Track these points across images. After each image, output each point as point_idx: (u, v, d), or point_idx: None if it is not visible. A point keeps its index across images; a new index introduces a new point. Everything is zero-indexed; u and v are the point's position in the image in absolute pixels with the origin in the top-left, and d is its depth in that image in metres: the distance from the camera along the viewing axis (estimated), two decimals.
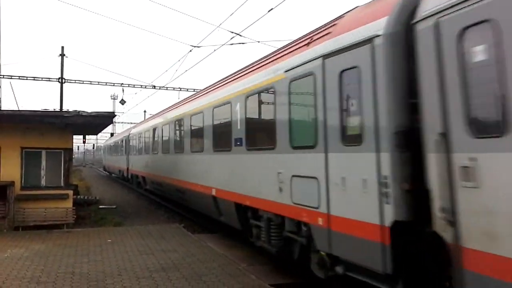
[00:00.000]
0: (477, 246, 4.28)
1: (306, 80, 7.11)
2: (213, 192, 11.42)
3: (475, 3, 4.31)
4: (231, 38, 20.16)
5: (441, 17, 4.69)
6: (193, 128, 13.93)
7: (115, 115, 14.88)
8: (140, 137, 25.68)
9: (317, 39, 7.13)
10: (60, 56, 32.64)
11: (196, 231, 14.57)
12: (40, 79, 35.10)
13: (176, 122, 16.16)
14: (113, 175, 46.56)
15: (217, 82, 13.24)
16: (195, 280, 7.66)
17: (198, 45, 22.69)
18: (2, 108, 48.00)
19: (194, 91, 39.10)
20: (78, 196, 20.50)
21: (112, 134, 70.32)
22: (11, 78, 35.09)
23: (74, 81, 35.36)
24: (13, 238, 11.61)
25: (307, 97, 7.05)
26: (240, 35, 19.73)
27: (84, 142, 64.28)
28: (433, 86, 4.79)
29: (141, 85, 37.04)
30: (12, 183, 13.21)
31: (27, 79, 35.11)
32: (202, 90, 14.86)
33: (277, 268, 9.01)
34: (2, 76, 46.14)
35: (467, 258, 4.39)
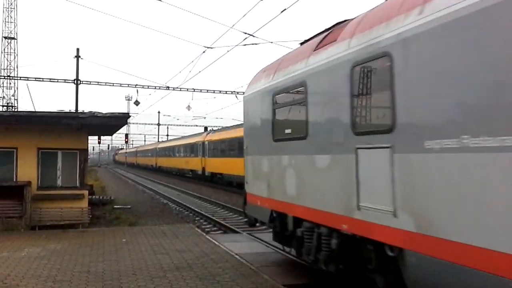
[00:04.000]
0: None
1: None
2: None
3: None
4: (244, 39, 20.23)
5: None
6: None
7: (130, 116, 15.04)
8: None
9: None
10: (76, 58, 33.01)
11: (210, 231, 14.64)
12: (56, 80, 35.58)
13: None
14: None
15: None
16: (209, 280, 7.69)
17: (212, 46, 22.79)
18: (18, 109, 48.68)
19: (207, 92, 39.27)
20: (93, 196, 20.72)
21: (126, 135, 70.57)
22: (27, 79, 35.62)
23: (89, 83, 35.76)
24: (30, 237, 11.77)
25: None
26: (253, 36, 19.76)
27: (99, 142, 64.59)
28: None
29: (155, 86, 37.33)
30: (29, 183, 13.41)
31: (43, 80, 35.61)
32: None
33: (290, 268, 9.00)
34: (19, 78, 46.89)
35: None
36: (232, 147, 31.06)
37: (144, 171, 68.52)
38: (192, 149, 42.91)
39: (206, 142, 38.44)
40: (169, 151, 55.06)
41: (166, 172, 56.97)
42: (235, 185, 29.35)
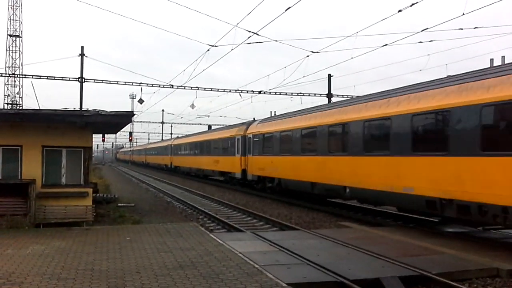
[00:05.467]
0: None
1: None
2: None
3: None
4: (249, 37, 20.20)
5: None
6: None
7: (134, 114, 15.04)
8: None
9: None
10: (80, 56, 33.08)
11: (213, 230, 14.64)
12: (61, 78, 35.66)
13: None
14: None
15: None
16: (212, 279, 7.69)
17: (216, 45, 22.80)
18: (23, 107, 48.76)
19: (211, 90, 39.34)
20: (98, 194, 20.76)
21: (130, 134, 72.02)
22: (32, 77, 35.75)
23: (93, 81, 35.84)
24: (34, 235, 11.80)
25: None
26: (257, 34, 19.74)
27: (103, 141, 64.82)
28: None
29: (159, 85, 37.40)
30: (33, 181, 13.44)
31: (48, 78, 35.71)
32: None
33: (294, 267, 8.97)
34: (23, 76, 46.96)
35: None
36: (181, 148, 49.24)
37: (146, 169, 69.84)
38: (165, 150, 59.35)
39: (172, 145, 54.16)
40: (153, 151, 71.66)
41: (152, 167, 71.54)
42: (185, 173, 47.11)
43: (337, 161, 16.52)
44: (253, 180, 26.07)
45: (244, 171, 27.43)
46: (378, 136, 14.59)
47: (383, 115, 13.74)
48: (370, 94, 15.99)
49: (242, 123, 30.87)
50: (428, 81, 13.19)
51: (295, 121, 20.55)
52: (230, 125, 34.86)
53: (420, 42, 23.77)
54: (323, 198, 20.02)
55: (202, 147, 39.61)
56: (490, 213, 10.25)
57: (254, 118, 30.33)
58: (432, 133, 12.40)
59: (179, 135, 61.90)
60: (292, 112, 23.01)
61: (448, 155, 11.30)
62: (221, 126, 40.21)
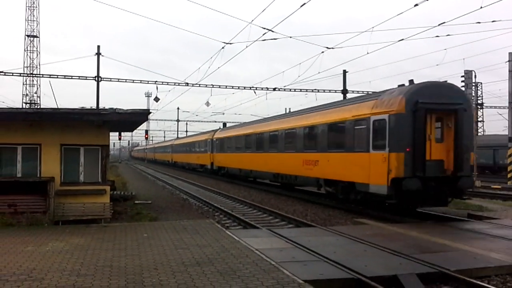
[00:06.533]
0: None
1: None
2: None
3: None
4: (263, 34, 20.20)
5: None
6: None
7: (150, 112, 15.12)
8: None
9: None
10: (96, 55, 33.42)
11: (229, 227, 14.70)
12: (78, 77, 36.10)
13: None
14: None
15: None
16: (229, 275, 7.73)
17: (231, 42, 22.85)
18: (41, 106, 49.48)
19: (226, 87, 39.49)
20: (115, 192, 20.97)
21: (146, 132, 73.58)
22: (50, 77, 36.26)
23: (109, 80, 36.19)
24: (54, 232, 11.99)
25: None
26: (272, 31, 19.75)
27: (120, 139, 65.73)
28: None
29: (175, 83, 37.61)
30: (52, 179, 13.63)
31: (65, 78, 36.18)
32: None
33: (311, 264, 8.97)
34: (41, 76, 47.65)
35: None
36: (178, 147, 62.19)
37: (156, 165, 72.43)
38: (167, 148, 74.35)
39: (173, 145, 67.90)
40: (160, 149, 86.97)
41: (159, 163, 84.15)
42: (181, 167, 59.61)
43: (248, 156, 29.49)
44: (216, 170, 39.61)
45: (212, 164, 40.69)
46: (259, 142, 27.40)
47: (256, 132, 28.31)
48: (255, 120, 33.38)
49: (212, 130, 45.29)
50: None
51: (233, 131, 34.90)
52: (206, 131, 49.99)
53: (437, 36, 23.54)
54: (244, 178, 32.39)
55: (189, 147, 53.55)
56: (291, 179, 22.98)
57: (221, 126, 48.66)
58: (270, 141, 25.58)
59: (179, 137, 76.53)
60: (237, 124, 40.20)
61: (276, 152, 24.36)
62: (202, 131, 56.36)
